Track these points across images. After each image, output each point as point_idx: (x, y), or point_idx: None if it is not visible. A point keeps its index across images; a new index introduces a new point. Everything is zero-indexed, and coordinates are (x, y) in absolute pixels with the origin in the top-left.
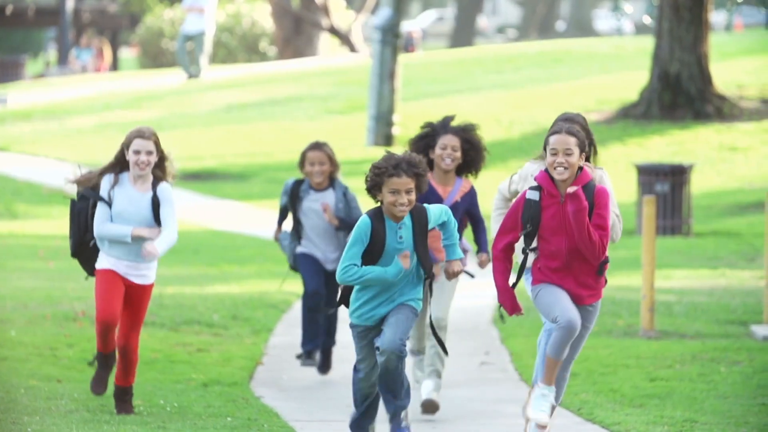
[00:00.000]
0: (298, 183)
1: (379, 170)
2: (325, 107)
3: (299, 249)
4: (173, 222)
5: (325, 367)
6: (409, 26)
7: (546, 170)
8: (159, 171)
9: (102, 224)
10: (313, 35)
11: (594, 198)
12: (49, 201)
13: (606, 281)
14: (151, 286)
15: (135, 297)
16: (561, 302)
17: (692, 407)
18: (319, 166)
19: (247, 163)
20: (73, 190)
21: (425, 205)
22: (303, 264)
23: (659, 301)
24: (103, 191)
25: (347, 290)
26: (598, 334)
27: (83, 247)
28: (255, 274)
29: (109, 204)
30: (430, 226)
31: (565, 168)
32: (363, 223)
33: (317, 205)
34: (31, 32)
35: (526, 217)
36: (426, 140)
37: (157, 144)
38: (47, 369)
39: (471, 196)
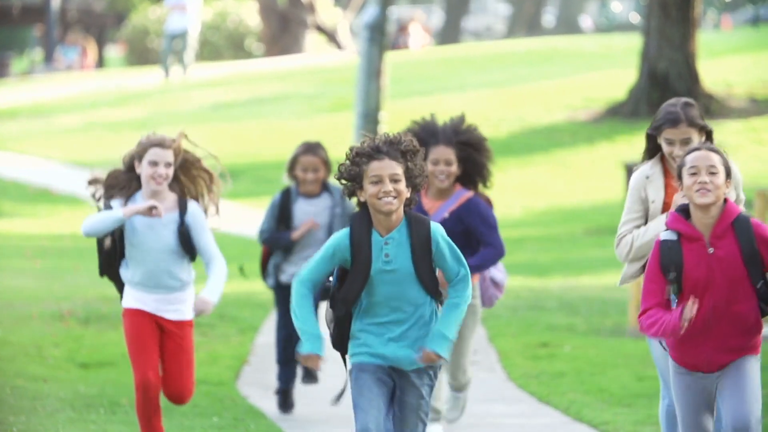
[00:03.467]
0: (285, 193)
1: (355, 156)
2: (312, 105)
3: (283, 276)
4: (215, 251)
5: (286, 406)
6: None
7: (677, 211)
8: (183, 184)
9: (89, 217)
10: (300, 33)
11: (755, 235)
12: (35, 200)
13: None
14: (190, 324)
15: (175, 339)
16: (694, 418)
17: None
18: (312, 173)
19: (234, 161)
20: (94, 197)
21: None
22: (281, 295)
23: None
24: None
25: (344, 330)
26: (586, 334)
27: (112, 269)
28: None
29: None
30: (435, 246)
31: (709, 190)
32: (339, 234)
33: (309, 214)
34: (16, 30)
35: (665, 264)
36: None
37: (177, 152)
38: (33, 368)
39: (468, 209)
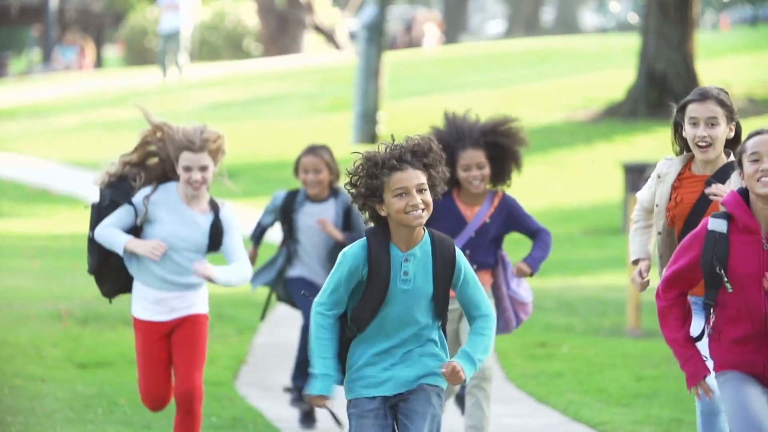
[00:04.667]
0: (292, 194)
1: (373, 167)
2: (310, 105)
3: (291, 273)
4: (243, 254)
5: (308, 419)
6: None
7: (738, 192)
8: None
9: (106, 227)
10: (298, 33)
11: None
12: (33, 200)
13: None
14: (206, 317)
15: (188, 329)
16: (746, 411)
17: (679, 406)
18: (314, 174)
19: (233, 162)
20: (95, 194)
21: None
22: (299, 291)
23: (645, 300)
24: (137, 199)
25: (341, 353)
26: (584, 334)
27: (105, 267)
28: None
29: (137, 217)
30: (458, 271)
31: None
32: (353, 250)
33: (314, 220)
34: (14, 30)
35: (708, 258)
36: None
37: (214, 153)
38: (31, 368)
39: (505, 210)
